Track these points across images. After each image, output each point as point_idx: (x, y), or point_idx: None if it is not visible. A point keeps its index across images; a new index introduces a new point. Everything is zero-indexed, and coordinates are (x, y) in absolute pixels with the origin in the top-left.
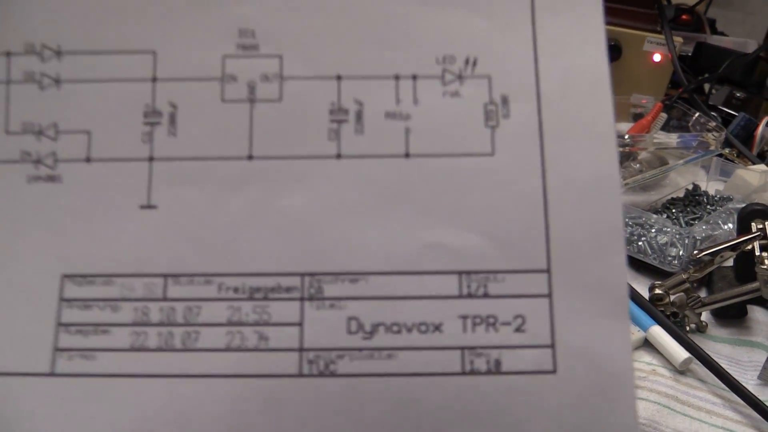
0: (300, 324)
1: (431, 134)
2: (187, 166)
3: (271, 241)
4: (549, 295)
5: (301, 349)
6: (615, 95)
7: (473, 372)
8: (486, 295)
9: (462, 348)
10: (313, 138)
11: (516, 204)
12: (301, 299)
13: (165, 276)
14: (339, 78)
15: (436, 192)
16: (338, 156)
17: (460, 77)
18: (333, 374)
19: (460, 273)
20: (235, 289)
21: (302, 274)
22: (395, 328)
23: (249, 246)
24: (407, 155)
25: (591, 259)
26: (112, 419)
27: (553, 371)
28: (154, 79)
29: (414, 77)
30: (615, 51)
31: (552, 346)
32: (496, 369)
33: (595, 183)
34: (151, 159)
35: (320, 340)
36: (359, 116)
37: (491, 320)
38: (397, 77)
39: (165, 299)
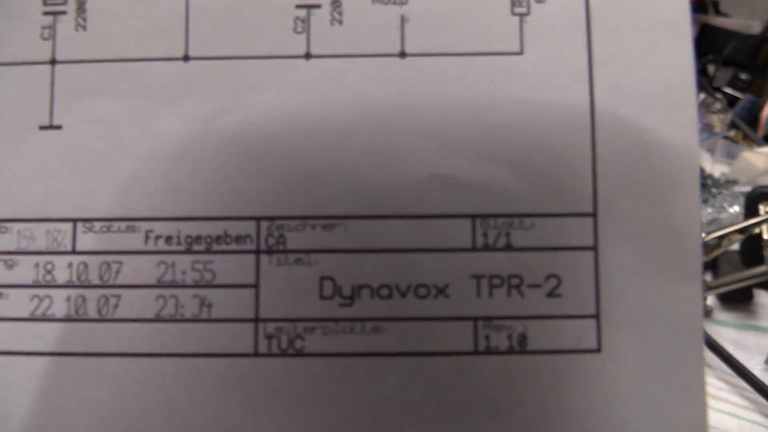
0: (255, 286)
1: (436, 25)
2: (101, 70)
3: (215, 172)
4: (594, 248)
5: (256, 320)
6: None
7: (489, 351)
8: (508, 247)
9: (475, 318)
10: (274, 30)
11: (552, 121)
12: (257, 252)
13: (74, 221)
14: None
15: (442, 105)
16: (307, 55)
17: None
18: (299, 353)
19: (473, 216)
20: (168, 239)
21: (258, 218)
22: (384, 292)
23: (185, 179)
24: (403, 54)
25: (653, 198)
26: (6, 409)
27: (598, 350)
28: None
29: None
30: None
31: (596, 316)
32: (520, 346)
33: (661, 92)
34: (53, 62)
35: (282, 307)
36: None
37: (515, 281)
38: None
39: (74, 252)
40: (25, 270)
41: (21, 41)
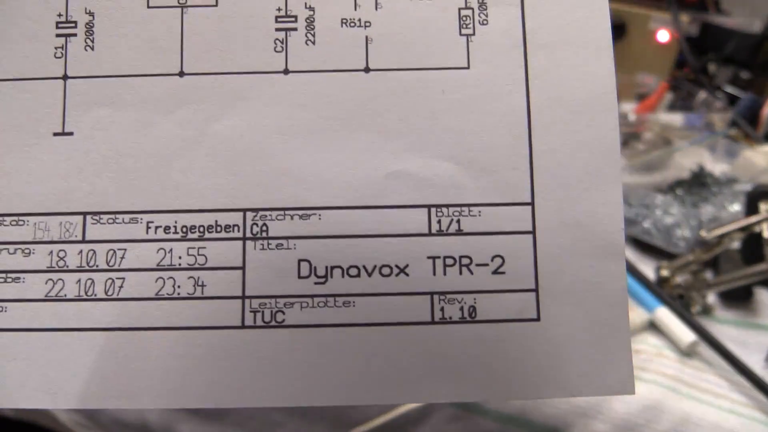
0: (242, 268)
1: (395, 44)
2: (107, 85)
3: (206, 171)
4: (532, 232)
5: (243, 297)
6: (619, 74)
7: (444, 320)
8: (459, 232)
9: (431, 293)
10: (256, 50)
11: (495, 125)
12: (243, 239)
13: (84, 214)
14: None
15: (401, 112)
16: (286, 71)
17: None
18: (281, 325)
19: (429, 207)
20: (166, 229)
21: (244, 210)
22: (353, 272)
23: (181, 178)
24: (367, 69)
25: (582, 189)
26: (24, 379)
27: (537, 319)
28: None
29: None
30: (620, 29)
31: (535, 290)
32: (470, 317)
33: (587, 100)
34: (65, 77)
35: (265, 286)
36: (310, 23)
37: (465, 261)
38: None
39: (84, 241)
40: (41, 257)
41: (37, 59)
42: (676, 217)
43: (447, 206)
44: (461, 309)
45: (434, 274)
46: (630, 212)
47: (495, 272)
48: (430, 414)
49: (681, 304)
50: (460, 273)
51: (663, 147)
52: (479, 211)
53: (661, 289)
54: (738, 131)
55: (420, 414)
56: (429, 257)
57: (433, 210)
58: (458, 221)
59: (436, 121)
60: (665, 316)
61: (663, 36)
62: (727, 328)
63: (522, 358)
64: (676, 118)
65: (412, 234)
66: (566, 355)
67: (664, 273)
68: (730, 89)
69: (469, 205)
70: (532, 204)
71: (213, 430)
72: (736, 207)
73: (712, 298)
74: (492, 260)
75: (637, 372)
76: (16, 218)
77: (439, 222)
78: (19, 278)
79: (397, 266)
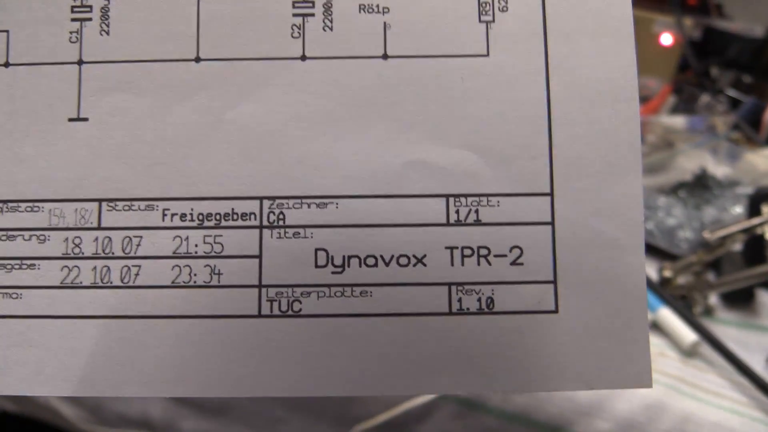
0: (258, 256)
1: (414, 31)
2: (122, 70)
3: (223, 158)
4: (551, 223)
5: (260, 286)
6: None
7: (462, 311)
8: (477, 222)
9: (449, 284)
10: (274, 35)
11: (514, 114)
12: (260, 227)
13: (99, 201)
14: None
15: (419, 100)
16: (303, 57)
17: None
18: (297, 314)
19: (447, 196)
20: (182, 216)
21: (261, 198)
22: (370, 261)
23: (197, 165)
24: (385, 56)
25: (602, 179)
26: (40, 366)
27: (555, 311)
28: None
29: None
30: None
31: (554, 281)
32: (488, 308)
33: (608, 89)
34: (80, 62)
35: (282, 274)
36: (328, 9)
37: (483, 252)
38: None
39: (100, 228)
40: (56, 244)
41: (52, 44)
42: (678, 219)
43: (465, 196)
44: (479, 300)
45: (452, 264)
46: None
47: (513, 263)
48: (433, 411)
49: (683, 305)
50: (478, 264)
51: (666, 149)
52: (498, 201)
53: (663, 290)
54: (740, 134)
55: (423, 411)
56: (447, 247)
57: (451, 199)
58: (476, 211)
59: (455, 110)
60: (667, 316)
61: (666, 39)
62: (728, 329)
63: (539, 350)
64: (679, 121)
65: (429, 224)
66: (584, 347)
67: (667, 274)
68: (732, 93)
69: (487, 195)
70: (551, 194)
71: (216, 426)
72: (738, 209)
73: (714, 299)
74: (510, 251)
75: None
76: (31, 204)
77: (457, 212)
78: (34, 265)
79: (414, 256)
